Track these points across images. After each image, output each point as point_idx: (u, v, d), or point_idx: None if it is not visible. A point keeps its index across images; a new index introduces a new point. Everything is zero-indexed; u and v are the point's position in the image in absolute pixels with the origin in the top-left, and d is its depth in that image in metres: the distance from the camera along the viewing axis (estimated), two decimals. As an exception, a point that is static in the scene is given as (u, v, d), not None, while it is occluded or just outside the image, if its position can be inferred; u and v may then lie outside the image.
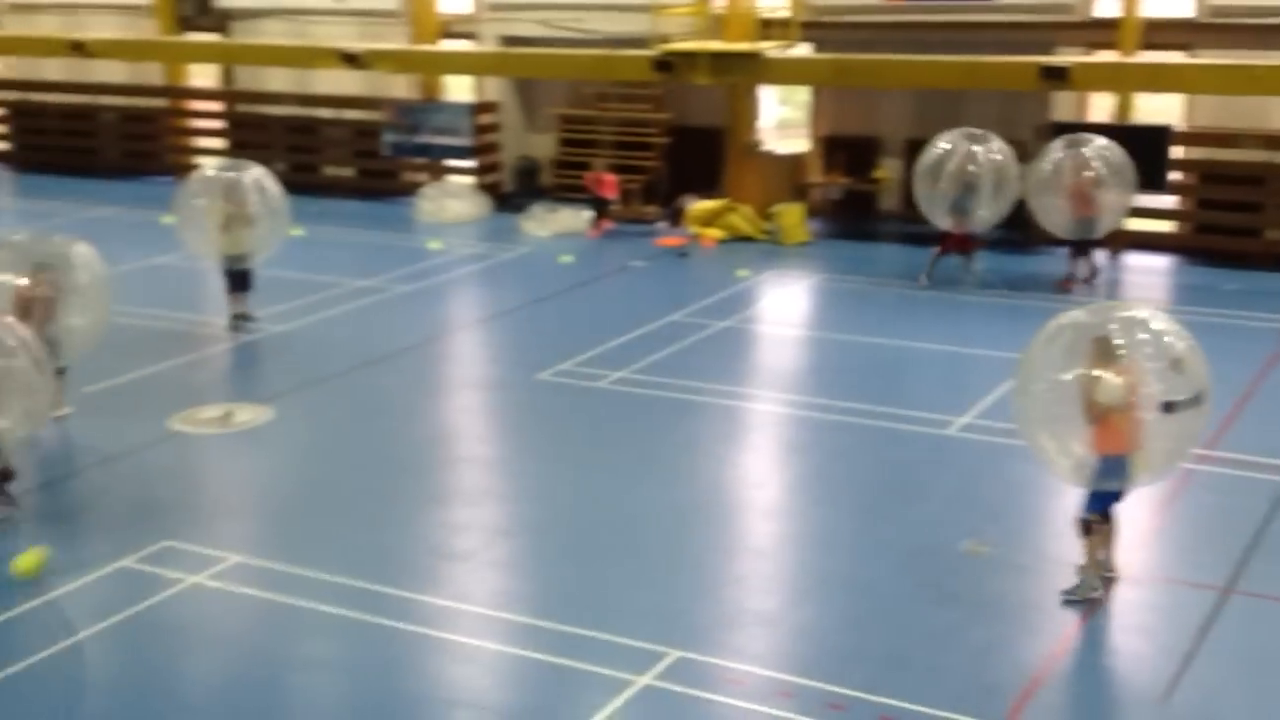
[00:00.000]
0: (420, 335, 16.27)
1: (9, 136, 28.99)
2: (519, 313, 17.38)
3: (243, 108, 27.07)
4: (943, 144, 18.27)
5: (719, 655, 8.72)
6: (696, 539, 10.60)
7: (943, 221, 18.33)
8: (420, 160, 24.86)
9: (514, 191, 24.48)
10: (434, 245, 21.16)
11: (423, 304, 17.83)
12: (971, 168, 18.04)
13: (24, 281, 12.32)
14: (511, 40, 23.98)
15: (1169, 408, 8.94)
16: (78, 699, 8.43)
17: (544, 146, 24.61)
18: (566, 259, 20.17)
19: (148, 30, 26.59)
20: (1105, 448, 9.12)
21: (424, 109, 24.67)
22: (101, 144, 27.74)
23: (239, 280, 16.37)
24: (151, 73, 27.34)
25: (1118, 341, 9.07)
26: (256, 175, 16.50)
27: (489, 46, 24.20)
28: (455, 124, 24.35)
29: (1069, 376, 9.14)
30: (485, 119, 24.69)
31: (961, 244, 18.39)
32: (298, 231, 21.64)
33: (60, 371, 12.84)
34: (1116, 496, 9.44)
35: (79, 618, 9.33)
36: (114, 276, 18.43)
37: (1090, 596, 9.39)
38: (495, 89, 25.05)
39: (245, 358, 15.70)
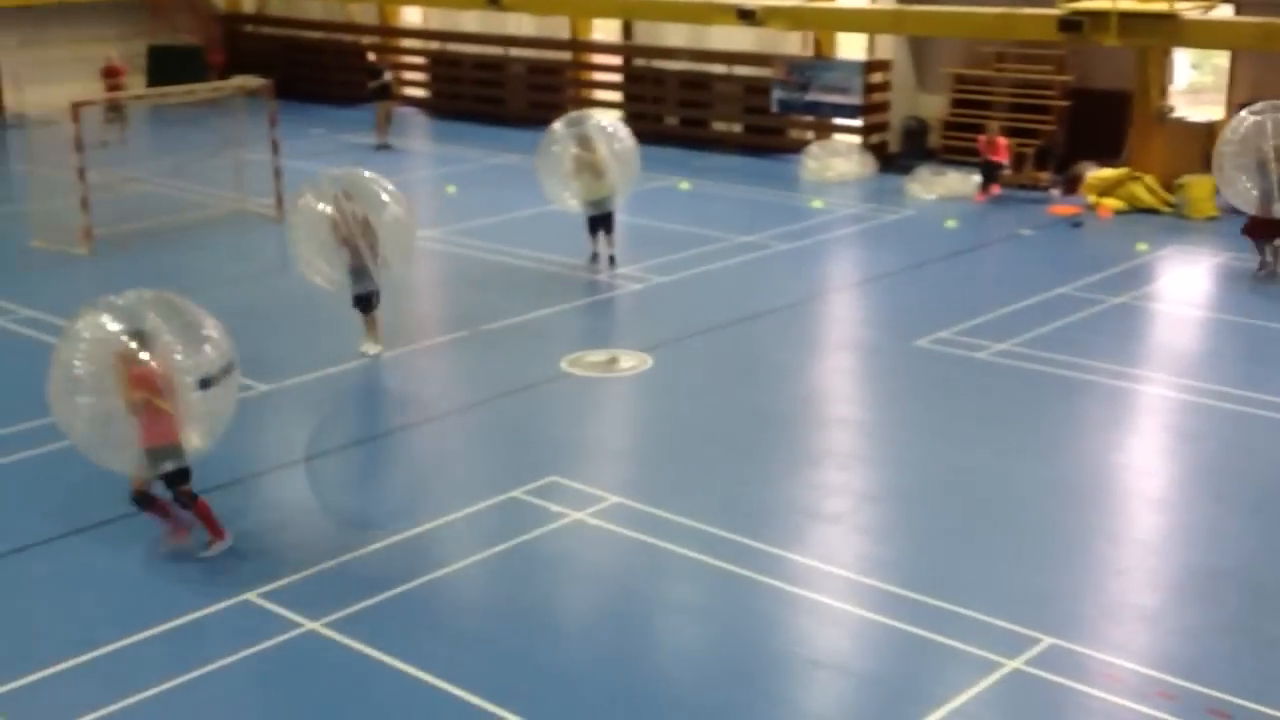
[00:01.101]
0: (798, 294, 16.34)
1: (428, 84, 31.07)
2: (899, 276, 17.15)
3: (640, 62, 27.87)
4: (1246, 116, 16.44)
5: (1096, 647, 8.37)
6: (1076, 524, 10.19)
7: (1247, 205, 16.69)
8: (808, 118, 24.88)
9: (900, 152, 24.11)
10: (816, 204, 21.16)
11: (802, 262, 17.90)
12: (1268, 145, 16.20)
13: (328, 209, 13.18)
14: (909, -3, 23.54)
15: None
16: (462, 618, 9.04)
17: (934, 107, 24.08)
18: (951, 224, 19.72)
19: (555, -15, 27.77)
20: None
21: (815, 66, 24.64)
22: (509, 94, 29.26)
23: (599, 224, 17.10)
24: (558, 26, 28.56)
25: None
26: (608, 124, 17.33)
27: (885, 4, 23.85)
28: (845, 82, 24.20)
29: None
30: (876, 77, 24.40)
31: (1268, 230, 16.66)
32: (684, 185, 22.28)
33: (366, 299, 13.71)
34: None
35: (470, 542, 10.00)
36: (513, 221, 19.60)
37: None
38: (887, 47, 24.69)
39: (630, 306, 16.25)
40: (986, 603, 8.85)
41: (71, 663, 8.34)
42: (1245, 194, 16.63)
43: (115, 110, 25.63)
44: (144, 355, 9.04)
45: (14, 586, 9.46)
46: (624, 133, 17.30)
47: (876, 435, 12.25)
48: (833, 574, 9.40)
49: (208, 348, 9.38)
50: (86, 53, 28.99)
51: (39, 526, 10.25)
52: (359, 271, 13.46)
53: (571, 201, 17.12)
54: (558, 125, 17.42)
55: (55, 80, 29.56)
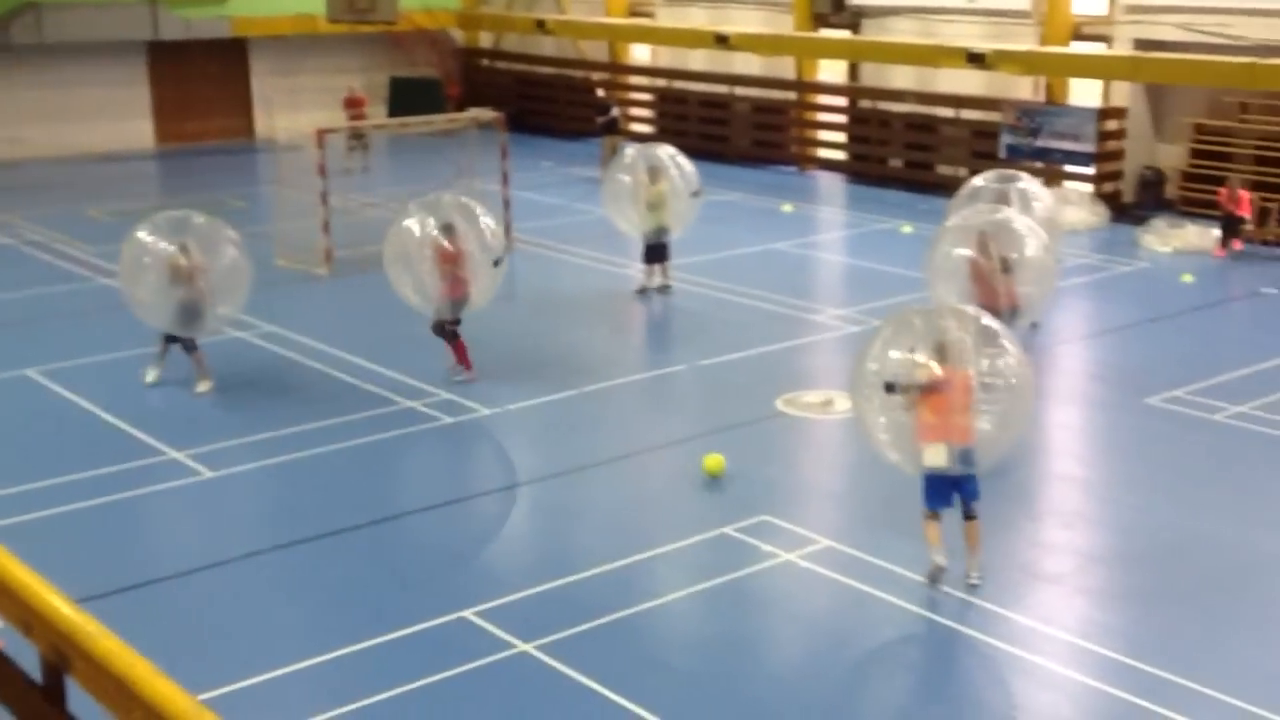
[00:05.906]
0: (1023, 344, 15.88)
1: (654, 120, 31.52)
2: (1130, 331, 16.55)
3: (865, 103, 27.72)
4: None
5: (1338, 735, 7.89)
6: (1318, 601, 9.63)
7: None
8: (1037, 164, 24.29)
9: (1134, 202, 23.31)
10: (1044, 252, 20.58)
11: (1027, 312, 17.41)
12: None
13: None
14: (1146, 44, 22.79)
15: (889, 389, 9.32)
16: (670, 651, 9.08)
17: (1171, 157, 23.22)
18: (1188, 278, 18.93)
19: (785, 26, 27.87)
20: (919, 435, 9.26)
21: (1045, 112, 24.07)
22: (734, 132, 29.44)
23: (655, 253, 17.76)
24: (784, 67, 28.64)
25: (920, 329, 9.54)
26: (678, 157, 17.92)
27: (1122, 50, 23.15)
28: (1077, 129, 23.56)
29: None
30: (1110, 125, 23.67)
31: None
32: (907, 229, 22.03)
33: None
34: (937, 487, 9.39)
35: (681, 576, 10.04)
36: (732, 259, 19.68)
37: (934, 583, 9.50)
38: (1123, 94, 23.94)
39: (848, 348, 16.07)
40: (1217, 678, 8.42)
41: (292, 668, 8.67)
42: None
43: (357, 139, 26.81)
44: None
45: (245, 590, 9.93)
46: (689, 169, 17.87)
47: (1103, 494, 11.83)
48: (1053, 636, 9.09)
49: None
50: (332, 83, 30.46)
51: (271, 533, 10.73)
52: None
53: (627, 227, 17.85)
54: (629, 152, 18.15)
55: (303, 108, 31.14)
